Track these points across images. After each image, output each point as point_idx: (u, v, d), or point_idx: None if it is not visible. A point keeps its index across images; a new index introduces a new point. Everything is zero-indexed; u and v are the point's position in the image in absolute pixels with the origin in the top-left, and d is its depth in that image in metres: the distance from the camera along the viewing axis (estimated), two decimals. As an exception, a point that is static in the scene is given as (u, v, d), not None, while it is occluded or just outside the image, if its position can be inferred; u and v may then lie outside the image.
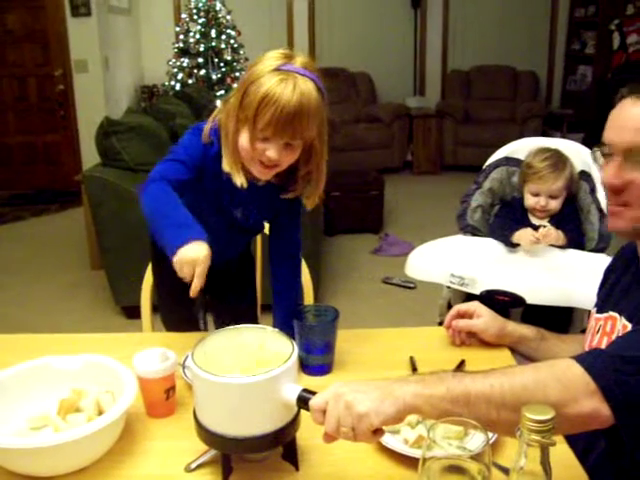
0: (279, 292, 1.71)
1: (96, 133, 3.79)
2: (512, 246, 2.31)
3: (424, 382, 1.08)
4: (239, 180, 1.52)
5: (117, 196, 3.59)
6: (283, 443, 1.18)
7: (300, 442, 1.22)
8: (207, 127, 1.55)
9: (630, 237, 1.36)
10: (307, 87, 1.42)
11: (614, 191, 1.25)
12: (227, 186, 1.55)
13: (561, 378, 1.05)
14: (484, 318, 1.62)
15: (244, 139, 1.48)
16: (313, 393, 1.10)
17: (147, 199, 1.50)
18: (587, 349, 1.40)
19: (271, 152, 1.46)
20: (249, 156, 1.49)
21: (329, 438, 1.09)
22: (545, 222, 2.38)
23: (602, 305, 1.42)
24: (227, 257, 1.74)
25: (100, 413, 1.27)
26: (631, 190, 1.22)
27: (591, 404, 1.03)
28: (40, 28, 6.31)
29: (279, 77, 1.41)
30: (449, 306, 2.44)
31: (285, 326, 1.52)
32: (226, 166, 1.52)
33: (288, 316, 1.59)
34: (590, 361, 1.06)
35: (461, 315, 1.66)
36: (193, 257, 1.35)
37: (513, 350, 1.63)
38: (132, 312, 3.67)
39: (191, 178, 1.54)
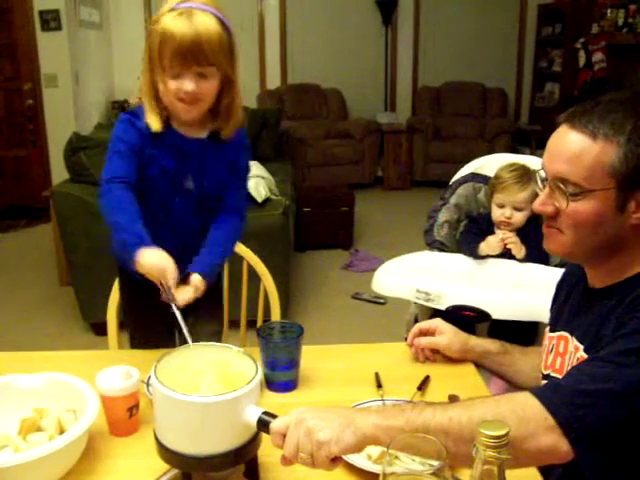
0: (207, 240, 1.70)
1: (64, 149, 3.77)
2: (480, 258, 2.33)
3: (384, 413, 1.09)
4: (155, 125, 1.60)
5: (85, 212, 3.57)
6: (244, 461, 1.18)
7: (262, 459, 1.22)
8: (133, 108, 1.68)
9: (565, 258, 1.38)
10: (204, 18, 1.51)
11: (547, 216, 1.26)
12: (166, 150, 1.64)
13: (519, 413, 1.05)
14: (446, 335, 1.62)
15: (160, 84, 1.57)
16: (274, 416, 1.10)
17: (105, 210, 1.63)
18: (543, 368, 1.42)
19: (187, 84, 1.53)
20: (170, 99, 1.58)
21: (287, 462, 1.09)
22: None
23: (554, 323, 1.44)
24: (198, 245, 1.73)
25: (62, 432, 1.26)
26: (561, 217, 1.23)
27: (550, 439, 1.04)
28: (9, 42, 6.25)
29: (174, 14, 1.51)
30: (416, 321, 2.45)
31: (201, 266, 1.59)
32: (146, 119, 1.62)
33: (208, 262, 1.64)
34: (548, 395, 1.07)
35: (423, 333, 1.66)
36: (155, 260, 1.48)
37: (478, 365, 1.64)
38: (100, 329, 3.64)
39: (137, 164, 1.62)
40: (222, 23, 1.55)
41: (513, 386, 1.62)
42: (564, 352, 1.35)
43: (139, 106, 1.65)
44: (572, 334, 1.32)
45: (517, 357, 1.60)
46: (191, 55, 1.50)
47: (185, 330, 1.40)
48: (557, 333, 1.39)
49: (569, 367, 1.29)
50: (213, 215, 1.73)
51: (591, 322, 1.25)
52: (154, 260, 1.50)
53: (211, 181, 1.71)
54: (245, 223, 1.78)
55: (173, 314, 1.48)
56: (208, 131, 1.68)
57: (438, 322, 1.66)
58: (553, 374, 1.37)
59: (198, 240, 1.69)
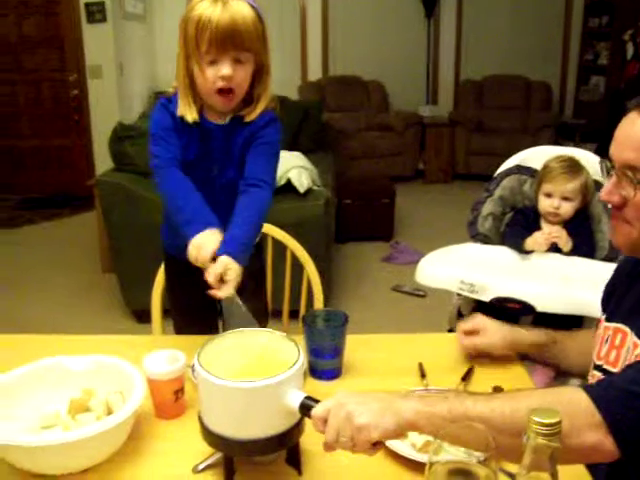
0: (233, 217, 1.62)
1: (110, 138, 3.82)
2: (525, 253, 2.30)
3: (427, 399, 1.08)
4: (190, 116, 1.62)
5: (129, 200, 3.62)
6: (286, 447, 1.18)
7: (305, 447, 1.23)
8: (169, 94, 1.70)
9: (629, 253, 1.33)
10: (238, 4, 1.54)
11: (613, 206, 1.23)
12: (195, 138, 1.67)
13: (566, 407, 1.01)
14: (488, 333, 1.58)
15: (197, 73, 1.59)
16: (317, 401, 1.10)
17: (161, 194, 1.65)
18: (596, 358, 1.39)
19: (224, 69, 1.55)
20: (206, 90, 1.60)
21: (329, 448, 1.09)
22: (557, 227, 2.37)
23: (611, 314, 1.40)
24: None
25: (109, 413, 1.28)
26: (628, 208, 1.19)
27: (595, 436, 1.01)
28: (56, 34, 6.35)
29: (209, 2, 1.53)
30: (459, 314, 2.43)
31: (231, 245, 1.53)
32: (179, 109, 1.64)
33: (234, 241, 1.54)
34: (599, 392, 1.04)
35: (467, 334, 1.62)
36: (197, 239, 1.51)
37: (524, 356, 1.62)
38: (142, 316, 3.69)
39: (179, 142, 1.65)
40: (255, 11, 1.57)
41: (561, 370, 1.59)
42: (620, 345, 1.31)
43: (175, 93, 1.68)
44: (632, 329, 1.28)
45: (567, 344, 1.57)
46: (229, 39, 1.52)
47: (243, 308, 1.44)
48: (614, 324, 1.35)
49: (626, 362, 1.26)
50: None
51: None
52: (196, 240, 1.51)
53: (235, 166, 1.70)
54: (270, 202, 1.68)
55: (219, 301, 1.49)
56: (230, 117, 1.68)
57: (479, 320, 1.62)
58: (606, 366, 1.34)
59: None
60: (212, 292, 1.46)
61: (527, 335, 1.59)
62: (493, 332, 1.59)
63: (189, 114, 1.63)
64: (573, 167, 2.33)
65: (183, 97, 1.64)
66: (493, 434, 0.99)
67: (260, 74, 1.65)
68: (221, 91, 1.59)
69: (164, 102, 1.69)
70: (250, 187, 1.64)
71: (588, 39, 7.73)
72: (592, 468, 1.21)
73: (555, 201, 2.34)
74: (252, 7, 1.57)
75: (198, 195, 1.61)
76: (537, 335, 1.59)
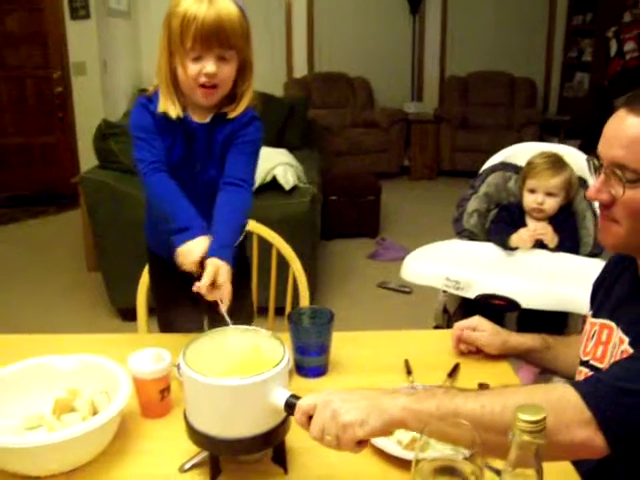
0: (215, 219, 1.62)
1: (94, 135, 3.80)
2: (510, 249, 2.31)
3: (415, 396, 1.07)
4: (174, 111, 1.61)
5: (114, 198, 3.60)
6: (272, 445, 1.18)
7: (291, 444, 1.22)
8: (149, 93, 1.68)
9: (620, 252, 1.33)
10: (223, 2, 1.53)
11: (601, 205, 1.22)
12: (178, 136, 1.65)
13: (555, 404, 1.02)
14: (487, 333, 1.59)
15: (180, 69, 1.58)
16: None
17: (148, 199, 1.67)
18: (582, 354, 1.40)
19: (208, 66, 1.55)
20: (189, 85, 1.59)
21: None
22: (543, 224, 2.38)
23: (597, 309, 1.40)
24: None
25: (95, 413, 1.28)
26: (617, 206, 1.18)
27: (584, 433, 1.01)
28: (39, 30, 6.30)
29: None
30: (445, 310, 2.44)
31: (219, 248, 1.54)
32: (161, 106, 1.62)
33: (219, 244, 1.56)
34: (588, 389, 1.04)
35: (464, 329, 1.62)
36: (187, 250, 1.53)
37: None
38: (128, 314, 3.68)
39: (161, 142, 1.64)
40: (240, 8, 1.57)
41: (552, 374, 1.60)
42: (607, 341, 1.31)
43: (155, 92, 1.66)
44: (617, 324, 1.28)
45: (561, 351, 1.57)
46: (214, 36, 1.52)
47: (226, 315, 1.43)
48: (600, 320, 1.36)
49: (612, 358, 1.27)
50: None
51: (638, 313, 1.22)
52: (183, 247, 1.54)
53: (216, 164, 1.70)
54: (251, 201, 1.70)
55: (204, 300, 1.50)
56: (212, 115, 1.67)
57: (477, 320, 1.62)
58: (593, 362, 1.34)
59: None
60: (195, 288, 1.48)
61: (524, 341, 1.59)
62: (490, 333, 1.59)
63: (172, 110, 1.62)
64: (556, 163, 2.34)
65: (166, 94, 1.63)
66: (482, 431, 0.99)
67: (243, 72, 1.65)
68: (203, 86, 1.58)
69: (143, 101, 1.67)
70: (230, 186, 1.65)
71: (572, 36, 7.78)
72: (581, 464, 1.21)
73: (539, 197, 2.35)
74: (236, 5, 1.57)
75: (185, 201, 1.61)
76: (531, 339, 1.59)
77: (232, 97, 1.67)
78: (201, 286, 1.48)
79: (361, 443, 1.06)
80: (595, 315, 1.40)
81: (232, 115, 1.66)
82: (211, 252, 1.53)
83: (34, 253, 5.11)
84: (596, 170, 1.22)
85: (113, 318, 3.90)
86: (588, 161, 1.25)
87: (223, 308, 1.46)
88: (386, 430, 1.06)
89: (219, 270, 1.51)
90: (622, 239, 1.21)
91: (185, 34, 1.52)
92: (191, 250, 1.53)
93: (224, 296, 1.50)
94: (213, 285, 1.49)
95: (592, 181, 1.24)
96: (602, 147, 1.19)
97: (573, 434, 1.01)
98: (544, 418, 0.82)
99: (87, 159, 5.48)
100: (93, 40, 6.18)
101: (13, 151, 6.67)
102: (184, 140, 1.67)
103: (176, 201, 1.61)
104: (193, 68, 1.56)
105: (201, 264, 1.52)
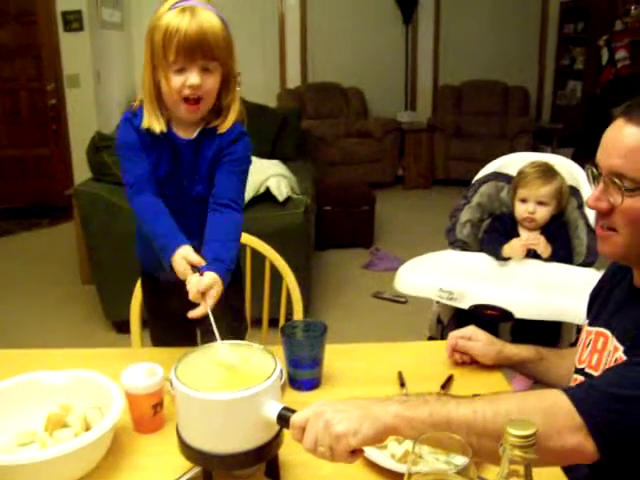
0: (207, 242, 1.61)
1: (87, 148, 3.79)
2: (503, 259, 2.32)
3: (407, 403, 1.07)
4: (158, 126, 1.60)
5: (108, 211, 3.59)
6: (266, 460, 1.18)
7: (284, 457, 1.22)
8: (134, 108, 1.66)
9: (619, 261, 1.33)
10: (206, 14, 1.53)
11: (600, 213, 1.23)
12: (163, 152, 1.64)
13: (547, 410, 1.03)
14: (481, 342, 1.60)
15: (163, 82, 1.56)
16: (294, 412, 1.10)
17: (138, 221, 1.67)
18: (577, 362, 1.40)
19: (192, 77, 1.53)
20: (173, 98, 1.57)
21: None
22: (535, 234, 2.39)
23: (594, 318, 1.41)
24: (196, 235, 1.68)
25: (87, 429, 1.27)
26: (615, 215, 1.19)
27: (575, 439, 1.02)
28: (32, 43, 6.31)
29: (177, 11, 1.52)
30: (438, 321, 2.44)
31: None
32: (145, 121, 1.61)
33: (218, 262, 1.54)
34: (579, 395, 1.05)
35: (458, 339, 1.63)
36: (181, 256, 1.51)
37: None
38: (122, 327, 3.67)
39: (147, 159, 1.64)
40: (223, 21, 1.57)
41: (545, 385, 1.60)
42: (602, 349, 1.32)
43: (140, 106, 1.64)
44: (612, 332, 1.29)
45: (554, 362, 1.57)
46: (197, 48, 1.51)
47: (214, 328, 1.40)
48: (596, 328, 1.36)
49: (607, 366, 1.27)
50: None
51: (633, 322, 1.22)
52: (176, 255, 1.52)
53: (204, 180, 1.69)
54: (242, 218, 1.68)
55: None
56: (198, 130, 1.66)
57: (472, 330, 1.62)
58: (588, 370, 1.35)
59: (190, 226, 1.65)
60: (191, 315, 1.45)
61: (518, 351, 1.59)
62: (484, 343, 1.60)
63: (156, 125, 1.60)
64: (547, 172, 2.36)
65: (149, 108, 1.61)
66: (475, 437, 1.00)
67: (227, 84, 1.64)
68: (187, 100, 1.56)
69: (128, 116, 1.65)
70: (222, 207, 1.63)
71: (564, 44, 7.82)
72: (572, 471, 1.21)
73: (530, 206, 2.36)
74: (219, 17, 1.56)
75: (169, 219, 1.59)
76: (525, 350, 1.59)
77: (218, 111, 1.66)
78: (192, 289, 1.45)
79: (355, 453, 1.06)
80: (591, 324, 1.41)
81: (222, 130, 1.65)
82: (211, 267, 1.51)
83: (28, 266, 5.10)
84: (595, 179, 1.23)
85: (108, 331, 3.88)
86: (586, 170, 1.26)
87: (213, 324, 1.45)
88: (379, 438, 1.06)
89: (215, 283, 1.48)
90: (621, 248, 1.22)
91: (168, 47, 1.51)
92: (186, 256, 1.51)
93: (210, 304, 1.46)
94: (203, 295, 1.46)
95: (589, 190, 1.25)
96: (600, 156, 1.21)
97: (564, 440, 1.02)
98: (535, 433, 0.82)
99: (81, 171, 5.48)
100: (86, 52, 6.19)
101: (7, 163, 6.66)
102: (170, 156, 1.65)
103: (158, 221, 1.60)
104: (177, 80, 1.54)
105: (199, 271, 1.50)
